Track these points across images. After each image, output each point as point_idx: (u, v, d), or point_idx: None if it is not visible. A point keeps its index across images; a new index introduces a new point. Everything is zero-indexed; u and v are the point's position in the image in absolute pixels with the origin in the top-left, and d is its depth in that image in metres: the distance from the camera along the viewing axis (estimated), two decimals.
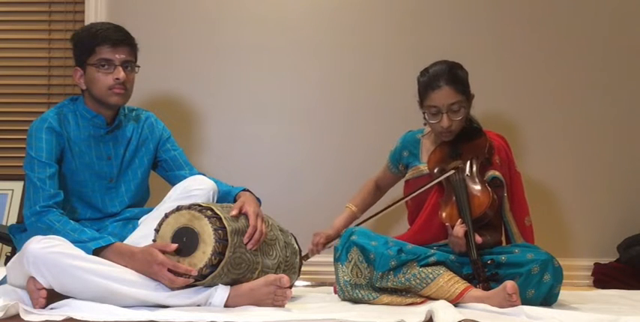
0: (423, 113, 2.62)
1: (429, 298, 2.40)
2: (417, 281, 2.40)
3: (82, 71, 2.48)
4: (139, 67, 2.53)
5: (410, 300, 2.40)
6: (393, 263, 2.42)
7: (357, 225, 2.74)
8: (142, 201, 2.65)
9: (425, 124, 2.68)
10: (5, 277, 2.34)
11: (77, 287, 2.16)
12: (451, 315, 2.05)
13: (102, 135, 2.52)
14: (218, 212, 2.28)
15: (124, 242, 2.37)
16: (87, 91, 2.49)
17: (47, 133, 2.42)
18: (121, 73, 2.43)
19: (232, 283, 2.29)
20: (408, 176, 2.78)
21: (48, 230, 2.29)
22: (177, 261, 2.23)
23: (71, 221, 2.33)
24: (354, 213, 2.91)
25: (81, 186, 2.48)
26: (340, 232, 2.74)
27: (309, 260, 2.81)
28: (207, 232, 2.23)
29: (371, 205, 2.96)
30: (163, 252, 2.23)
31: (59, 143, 2.44)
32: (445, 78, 2.56)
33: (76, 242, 2.25)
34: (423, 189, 2.61)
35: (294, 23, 3.46)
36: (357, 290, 2.47)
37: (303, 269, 2.63)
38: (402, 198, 2.68)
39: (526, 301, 2.30)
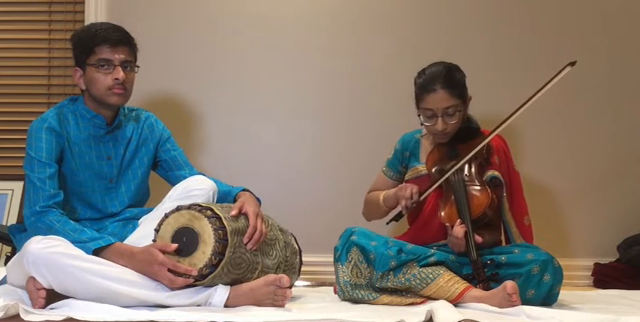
0: (419, 115, 2.62)
1: (429, 298, 2.40)
2: (417, 281, 2.40)
3: (82, 71, 2.47)
4: (138, 67, 2.52)
5: (410, 300, 2.40)
6: (393, 263, 2.42)
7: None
8: (142, 202, 2.65)
9: (421, 124, 2.68)
10: (5, 277, 2.34)
11: (77, 288, 2.16)
12: (451, 315, 2.05)
13: (102, 135, 2.52)
14: (218, 212, 2.28)
15: (124, 242, 2.37)
16: (86, 91, 2.49)
17: (47, 133, 2.42)
18: (120, 73, 2.43)
19: (232, 283, 2.29)
20: (407, 176, 2.77)
21: (48, 230, 2.29)
22: (177, 261, 2.23)
23: (71, 221, 2.33)
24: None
25: (81, 186, 2.48)
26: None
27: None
28: (207, 232, 2.23)
29: None
30: (163, 252, 2.23)
31: (59, 143, 2.43)
32: (441, 81, 2.55)
33: (76, 242, 2.25)
34: (428, 192, 2.59)
35: (294, 23, 3.46)
36: (357, 291, 2.47)
37: (303, 269, 2.63)
38: None
39: (526, 301, 2.31)
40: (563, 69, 2.51)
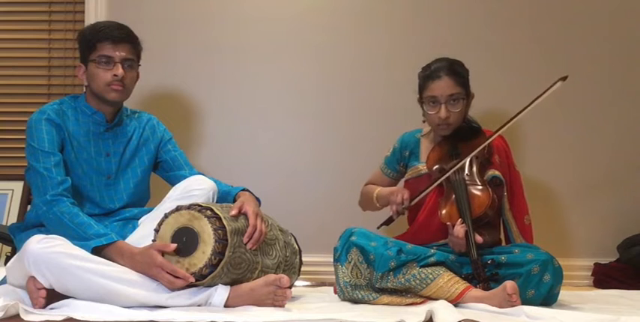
0: (422, 105, 2.63)
1: (429, 298, 2.40)
2: (417, 281, 2.40)
3: (85, 67, 2.50)
4: (139, 65, 2.54)
5: (410, 300, 2.40)
6: (392, 263, 2.42)
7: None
8: (142, 201, 2.65)
9: (424, 121, 2.68)
10: (5, 277, 2.34)
11: (78, 287, 2.16)
12: (451, 315, 2.05)
13: (101, 132, 2.54)
14: (217, 212, 2.28)
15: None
16: (88, 88, 2.52)
17: (46, 124, 2.45)
18: (119, 70, 2.45)
19: (232, 283, 2.29)
20: (407, 176, 2.77)
21: (57, 223, 2.31)
22: (177, 261, 2.23)
23: (81, 213, 2.34)
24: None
25: (79, 179, 2.49)
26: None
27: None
28: (206, 232, 2.23)
29: None
30: (163, 253, 2.23)
31: (59, 134, 2.46)
32: (446, 70, 2.59)
33: (80, 237, 2.25)
34: (427, 191, 2.59)
35: (295, 22, 3.46)
36: (357, 291, 2.47)
37: (303, 269, 2.63)
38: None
39: (526, 301, 2.30)
40: (554, 84, 2.53)
